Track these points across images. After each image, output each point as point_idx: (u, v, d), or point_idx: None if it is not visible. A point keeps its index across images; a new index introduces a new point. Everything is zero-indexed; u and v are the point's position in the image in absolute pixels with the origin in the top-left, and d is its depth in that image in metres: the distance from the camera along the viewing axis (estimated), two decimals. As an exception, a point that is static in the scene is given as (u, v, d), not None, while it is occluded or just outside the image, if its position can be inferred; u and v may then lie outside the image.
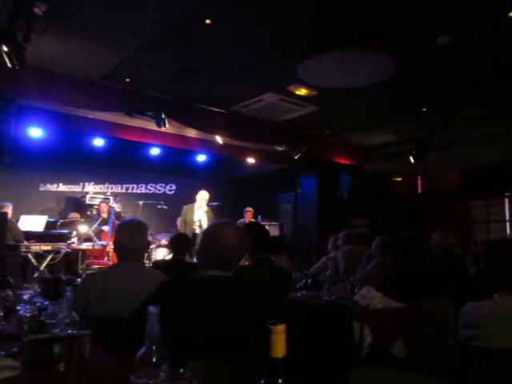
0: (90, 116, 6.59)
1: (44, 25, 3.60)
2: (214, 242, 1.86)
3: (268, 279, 2.84)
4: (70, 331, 1.66)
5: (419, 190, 10.62)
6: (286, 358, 0.83)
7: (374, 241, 4.38)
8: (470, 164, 8.89)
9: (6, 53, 3.71)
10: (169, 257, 7.48)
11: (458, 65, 5.11)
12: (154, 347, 1.08)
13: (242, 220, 8.43)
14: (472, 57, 4.89)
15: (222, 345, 1.60)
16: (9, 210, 6.55)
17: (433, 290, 3.49)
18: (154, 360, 1.07)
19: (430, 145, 8.09)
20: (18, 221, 6.77)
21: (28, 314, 1.79)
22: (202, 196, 7.46)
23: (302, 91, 6.02)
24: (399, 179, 10.80)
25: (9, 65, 3.76)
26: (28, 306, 2.12)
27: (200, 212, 7.35)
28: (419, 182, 10.62)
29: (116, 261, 2.82)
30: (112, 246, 7.01)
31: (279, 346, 0.81)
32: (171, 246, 4.24)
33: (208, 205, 7.50)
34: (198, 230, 7.04)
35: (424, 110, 6.74)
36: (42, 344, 1.62)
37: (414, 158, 8.25)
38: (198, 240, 2.13)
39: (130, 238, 2.52)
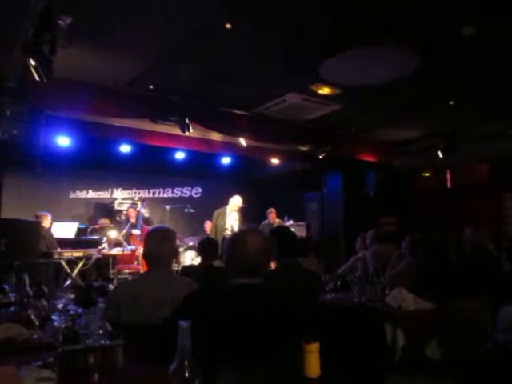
0: (116, 123, 6.70)
1: (69, 37, 3.68)
2: (239, 251, 1.87)
3: (296, 283, 2.82)
4: (103, 342, 1.68)
5: (448, 185, 10.37)
6: (320, 379, 0.82)
7: (403, 239, 4.30)
8: (500, 156, 8.64)
9: (33, 66, 3.80)
10: (197, 260, 7.55)
11: (485, 55, 4.96)
12: (186, 362, 1.08)
13: (266, 221, 8.42)
14: (499, 47, 4.74)
15: (253, 355, 1.60)
16: (47, 219, 6.74)
17: (467, 289, 3.40)
18: (186, 375, 1.07)
19: (459, 138, 7.89)
20: (50, 228, 6.95)
21: (62, 325, 1.83)
22: (235, 202, 7.35)
23: (325, 90, 5.96)
24: (427, 174, 10.57)
25: (37, 78, 3.86)
26: (62, 317, 2.16)
27: (231, 218, 7.30)
28: (448, 176, 10.38)
29: (145, 267, 2.86)
30: (141, 251, 7.12)
31: (313, 366, 0.80)
32: (200, 251, 4.26)
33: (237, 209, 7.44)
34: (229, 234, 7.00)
35: (451, 103, 6.59)
36: (76, 354, 1.65)
37: (443, 153, 8.07)
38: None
39: (158, 245, 2.55)
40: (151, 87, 5.96)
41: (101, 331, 1.75)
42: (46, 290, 2.78)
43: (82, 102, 5.80)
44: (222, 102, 6.67)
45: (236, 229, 7.10)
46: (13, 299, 2.94)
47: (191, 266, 5.03)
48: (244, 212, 7.59)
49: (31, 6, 3.58)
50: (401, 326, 2.92)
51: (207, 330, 1.56)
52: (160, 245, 2.54)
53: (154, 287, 2.44)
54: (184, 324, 1.10)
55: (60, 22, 3.76)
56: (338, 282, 3.88)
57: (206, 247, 4.15)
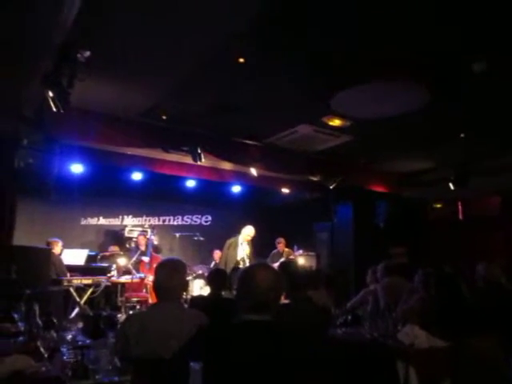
0: (128, 152, 6.80)
1: (87, 71, 3.79)
2: (249, 287, 1.87)
3: (306, 318, 2.78)
4: (112, 378, 1.67)
5: (460, 217, 10.27)
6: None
7: (414, 272, 4.23)
8: (512, 188, 8.59)
9: (51, 98, 3.91)
10: (205, 288, 7.49)
11: (496, 89, 4.99)
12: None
13: (275, 251, 8.36)
14: (510, 81, 4.78)
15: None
16: (58, 246, 6.79)
17: (481, 326, 3.33)
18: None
19: (470, 170, 7.87)
20: (61, 255, 6.98)
21: (71, 360, 1.82)
22: (248, 232, 7.26)
23: (336, 122, 6.01)
24: (439, 206, 10.50)
25: (54, 109, 3.96)
26: (71, 350, 2.15)
27: (243, 250, 7.22)
28: (460, 208, 10.29)
29: (155, 298, 2.85)
30: (150, 279, 7.10)
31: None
32: (209, 282, 4.25)
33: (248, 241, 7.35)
34: (241, 265, 6.90)
35: (462, 135, 6.60)
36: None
37: (454, 185, 8.03)
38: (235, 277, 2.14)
39: (168, 277, 2.55)
40: (164, 117, 6.06)
41: (110, 367, 1.75)
42: (55, 320, 2.78)
43: (96, 131, 5.91)
44: (233, 133, 6.76)
45: (247, 263, 7.03)
46: (22, 329, 2.94)
47: (200, 297, 4.99)
48: (254, 242, 7.55)
49: (52, 40, 3.70)
50: (413, 364, 2.86)
51: (216, 367, 1.54)
52: (170, 277, 2.54)
53: (163, 320, 2.42)
54: (195, 366, 1.09)
55: (79, 55, 3.88)
56: (349, 317, 3.83)
57: (215, 278, 4.14)
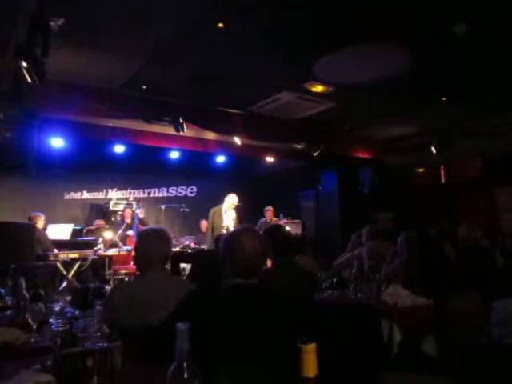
0: (110, 124, 6.68)
1: (61, 39, 3.67)
2: (235, 251, 1.86)
3: (292, 282, 2.83)
4: (101, 344, 1.69)
5: (443, 180, 10.42)
6: (318, 378, 0.83)
7: (398, 236, 4.31)
8: (494, 151, 8.70)
9: (25, 69, 3.78)
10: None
11: (477, 53, 4.99)
12: (184, 364, 1.08)
13: (262, 219, 8.40)
14: (491, 44, 4.77)
15: (252, 354, 1.61)
16: (41, 220, 6.70)
17: (461, 285, 3.43)
18: (185, 376, 1.07)
19: (452, 135, 7.94)
20: (45, 229, 6.92)
21: (60, 329, 1.83)
22: (232, 200, 7.21)
23: (319, 88, 5.98)
24: (421, 170, 10.62)
25: (29, 80, 3.84)
26: (60, 320, 2.16)
27: (228, 216, 7.22)
28: (442, 172, 10.43)
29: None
30: (137, 251, 7.09)
31: (310, 365, 0.81)
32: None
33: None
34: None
35: (444, 99, 6.62)
36: (75, 357, 1.65)
37: (436, 149, 8.11)
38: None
39: (150, 245, 2.54)
40: (144, 87, 5.95)
41: (99, 334, 1.76)
42: (42, 293, 2.78)
43: (75, 103, 5.78)
44: (215, 101, 6.68)
45: (232, 228, 7.04)
46: (9, 303, 2.94)
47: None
48: (240, 210, 7.55)
49: (22, 8, 3.56)
50: (397, 322, 2.94)
51: (205, 330, 1.56)
52: (151, 245, 2.53)
53: (151, 288, 2.44)
54: (181, 326, 1.10)
55: (51, 23, 3.73)
56: (334, 280, 3.90)
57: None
